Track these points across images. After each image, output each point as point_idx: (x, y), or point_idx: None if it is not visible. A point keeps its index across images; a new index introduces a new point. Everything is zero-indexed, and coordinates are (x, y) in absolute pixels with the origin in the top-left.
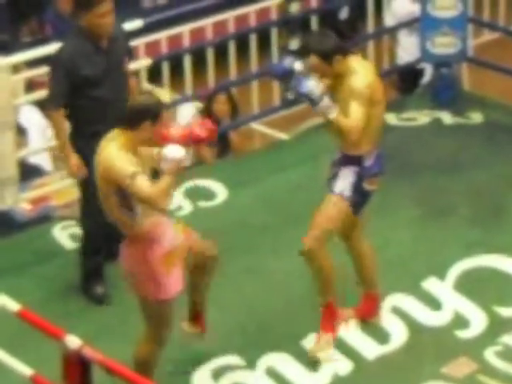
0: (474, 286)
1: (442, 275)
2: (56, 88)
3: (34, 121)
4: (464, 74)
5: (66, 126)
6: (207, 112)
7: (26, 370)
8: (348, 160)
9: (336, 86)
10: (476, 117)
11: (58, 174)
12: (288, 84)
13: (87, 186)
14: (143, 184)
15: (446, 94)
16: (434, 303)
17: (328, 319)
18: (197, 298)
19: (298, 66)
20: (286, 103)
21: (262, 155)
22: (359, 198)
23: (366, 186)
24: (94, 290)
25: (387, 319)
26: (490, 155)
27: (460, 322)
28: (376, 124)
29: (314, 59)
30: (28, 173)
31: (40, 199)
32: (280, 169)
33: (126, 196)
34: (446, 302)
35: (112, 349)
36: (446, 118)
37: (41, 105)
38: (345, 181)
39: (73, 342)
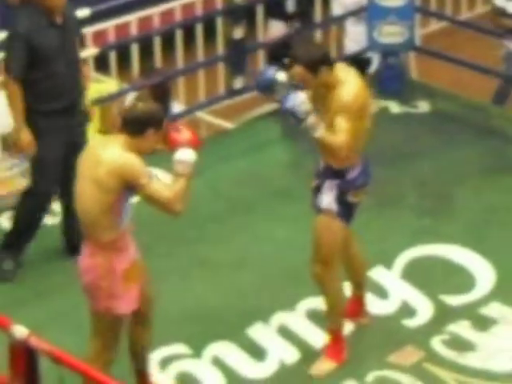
0: (421, 274)
1: (389, 264)
2: (16, 58)
3: None
4: (411, 64)
5: (21, 100)
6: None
7: None
8: (331, 173)
9: (321, 96)
10: (423, 106)
11: (5, 163)
12: (271, 95)
13: (39, 163)
14: (160, 187)
15: (393, 83)
16: (380, 292)
17: (334, 346)
18: (141, 364)
19: (281, 76)
20: (232, 92)
21: (209, 144)
22: (345, 210)
23: (350, 198)
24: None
25: None
26: (438, 144)
27: (407, 310)
28: (362, 137)
29: (298, 68)
30: None
31: None
32: (227, 158)
33: (125, 198)
34: (393, 290)
35: (59, 338)
36: (394, 107)
37: None
38: (328, 195)
39: (19, 331)
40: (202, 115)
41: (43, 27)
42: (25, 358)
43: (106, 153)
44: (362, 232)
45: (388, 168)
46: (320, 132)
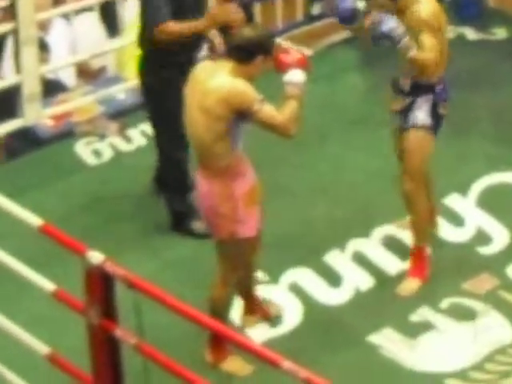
0: (497, 202)
1: (464, 191)
2: (158, 11)
3: (63, 35)
4: None
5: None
6: (225, 28)
7: (48, 286)
8: (421, 89)
9: (400, 18)
10: (500, 33)
11: (81, 89)
12: (352, 24)
13: (167, 120)
14: (273, 111)
15: (470, 9)
16: (456, 219)
17: (418, 264)
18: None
19: (360, 4)
20: (310, 18)
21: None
22: (436, 124)
23: (441, 110)
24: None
25: (409, 235)
26: None
27: (482, 238)
28: (445, 50)
29: None
30: (51, 89)
31: (63, 115)
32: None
33: (237, 125)
34: (469, 218)
35: (133, 263)
36: (470, 33)
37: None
38: (423, 110)
39: (95, 257)
40: (280, 42)
41: None
42: (101, 284)
43: (214, 81)
44: (437, 158)
45: (464, 94)
46: (414, 51)
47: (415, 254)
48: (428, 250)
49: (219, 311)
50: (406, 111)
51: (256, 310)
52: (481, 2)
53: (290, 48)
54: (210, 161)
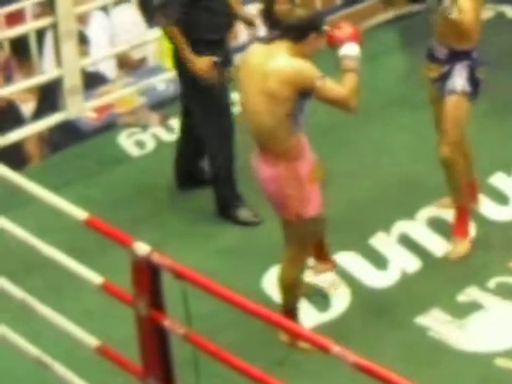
0: None
1: (508, 170)
2: (173, 7)
3: (102, 28)
4: None
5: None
6: (268, 13)
7: (96, 278)
8: (458, 55)
9: None
10: None
11: (122, 81)
12: None
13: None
14: (334, 85)
15: None
16: (501, 198)
17: (462, 224)
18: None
19: None
20: (349, 1)
21: (325, 54)
22: (475, 89)
23: (478, 75)
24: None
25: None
26: None
27: None
28: (481, 15)
29: None
30: (92, 81)
31: (104, 107)
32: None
33: (299, 105)
34: None
35: (179, 253)
36: (510, 11)
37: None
38: (462, 76)
39: (141, 248)
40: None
41: None
42: (148, 275)
43: (273, 63)
44: (479, 138)
45: (503, 73)
46: (455, 13)
47: (457, 214)
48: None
49: (289, 292)
50: (443, 79)
51: (326, 258)
52: None
53: (341, 23)
54: (273, 144)
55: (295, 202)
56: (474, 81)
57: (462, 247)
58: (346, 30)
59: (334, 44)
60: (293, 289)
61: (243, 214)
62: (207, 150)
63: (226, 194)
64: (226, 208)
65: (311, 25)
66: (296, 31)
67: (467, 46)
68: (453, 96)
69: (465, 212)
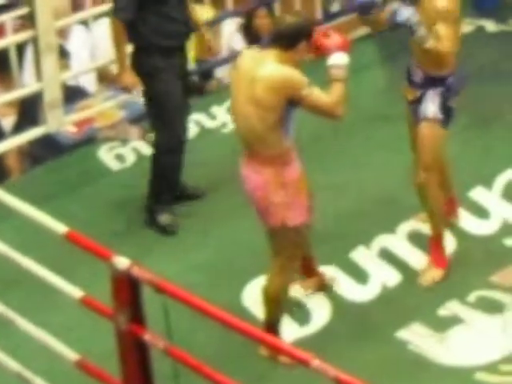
0: None
1: (488, 184)
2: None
3: (83, 41)
4: None
5: (126, 41)
6: (248, 28)
7: (76, 292)
8: (434, 81)
9: (416, 8)
10: None
11: (102, 95)
12: (369, 16)
13: (161, 105)
14: (321, 94)
15: (489, 2)
16: (481, 212)
17: (437, 252)
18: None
19: None
20: (329, 16)
21: (305, 69)
22: (447, 117)
23: (450, 104)
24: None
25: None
26: None
27: (508, 230)
28: (459, 41)
29: None
30: (72, 95)
31: (84, 121)
32: (324, 81)
33: (287, 113)
34: (494, 210)
35: (158, 267)
36: (490, 25)
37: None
38: (434, 103)
39: (121, 262)
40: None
41: None
42: (128, 289)
43: (262, 70)
44: (460, 151)
45: (486, 86)
46: (430, 42)
47: (433, 244)
48: (445, 240)
49: (274, 304)
50: (417, 103)
51: (313, 274)
52: None
53: (330, 31)
54: (262, 151)
55: (281, 209)
56: (446, 109)
57: (435, 275)
58: (334, 38)
59: (322, 52)
60: (277, 301)
61: (163, 218)
62: (153, 149)
63: (155, 194)
64: (150, 209)
65: (301, 32)
66: (286, 39)
67: (443, 73)
68: (425, 123)
69: (440, 242)
